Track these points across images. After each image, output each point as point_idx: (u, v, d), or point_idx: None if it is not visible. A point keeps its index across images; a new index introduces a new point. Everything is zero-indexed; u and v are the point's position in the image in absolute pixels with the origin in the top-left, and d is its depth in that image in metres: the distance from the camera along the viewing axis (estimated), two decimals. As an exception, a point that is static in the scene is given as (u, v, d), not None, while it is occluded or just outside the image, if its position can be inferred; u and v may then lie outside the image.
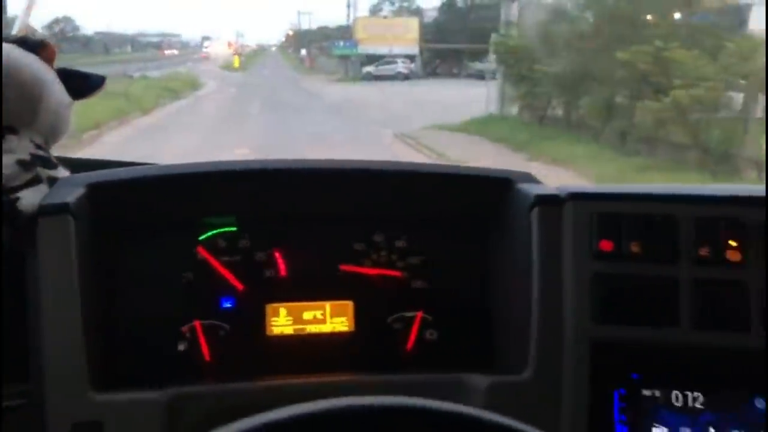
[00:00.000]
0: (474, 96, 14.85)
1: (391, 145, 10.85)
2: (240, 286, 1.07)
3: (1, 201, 0.91)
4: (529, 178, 1.07)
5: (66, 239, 0.91)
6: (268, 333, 1.08)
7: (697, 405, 0.95)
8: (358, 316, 1.09)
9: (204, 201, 1.07)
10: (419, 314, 1.09)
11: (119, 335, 1.03)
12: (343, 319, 1.09)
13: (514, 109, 13.36)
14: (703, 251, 0.94)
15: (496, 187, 1.07)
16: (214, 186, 1.06)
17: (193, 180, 1.05)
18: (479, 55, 26.61)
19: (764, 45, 6.93)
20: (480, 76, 25.44)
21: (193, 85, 21.94)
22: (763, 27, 7.47)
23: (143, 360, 1.03)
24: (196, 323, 1.05)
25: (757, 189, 1.03)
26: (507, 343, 1.04)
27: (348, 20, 33.84)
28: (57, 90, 1.04)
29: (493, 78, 14.65)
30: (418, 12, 33.01)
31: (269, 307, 1.08)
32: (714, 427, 0.94)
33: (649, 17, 10.35)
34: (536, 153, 9.38)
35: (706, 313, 0.93)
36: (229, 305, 1.07)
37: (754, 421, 0.93)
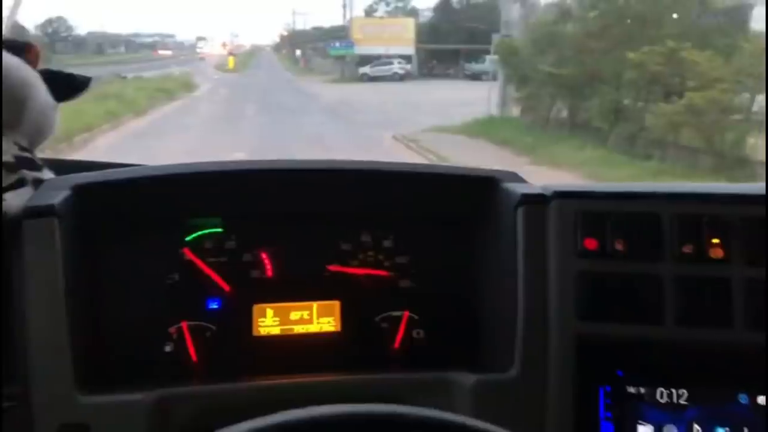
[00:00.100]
0: (472, 97, 14.81)
1: (391, 148, 10.77)
2: (226, 287, 1.09)
3: None
4: (515, 178, 1.08)
5: (51, 241, 0.92)
6: (255, 333, 1.09)
7: (682, 401, 0.96)
8: (345, 316, 1.11)
9: (190, 202, 1.08)
10: (406, 313, 1.11)
11: (105, 337, 1.03)
12: (330, 319, 1.10)
13: (515, 111, 13.26)
14: (687, 249, 0.96)
15: (482, 187, 1.08)
16: (200, 187, 1.07)
17: (178, 181, 1.06)
18: (475, 55, 26.68)
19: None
20: (476, 77, 25.50)
21: (188, 86, 21.90)
22: (763, 26, 7.45)
23: (130, 361, 1.04)
24: (183, 324, 1.06)
25: (740, 187, 1.05)
26: (493, 342, 1.05)
27: (344, 20, 33.89)
28: (42, 92, 1.04)
29: (490, 79, 14.62)
30: (413, 12, 33.06)
31: (256, 308, 1.09)
32: (699, 423, 0.96)
33: (657, 17, 10.19)
34: (542, 157, 9.22)
35: (689, 310, 0.95)
36: (215, 306, 1.08)
37: (739, 416, 0.95)
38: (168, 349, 1.06)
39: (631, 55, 9.26)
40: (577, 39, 10.61)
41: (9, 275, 0.93)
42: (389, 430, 0.59)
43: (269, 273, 1.10)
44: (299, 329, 1.10)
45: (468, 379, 0.97)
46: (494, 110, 13.44)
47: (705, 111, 8.34)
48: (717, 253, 0.95)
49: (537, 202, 1.00)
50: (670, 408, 0.96)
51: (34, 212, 0.93)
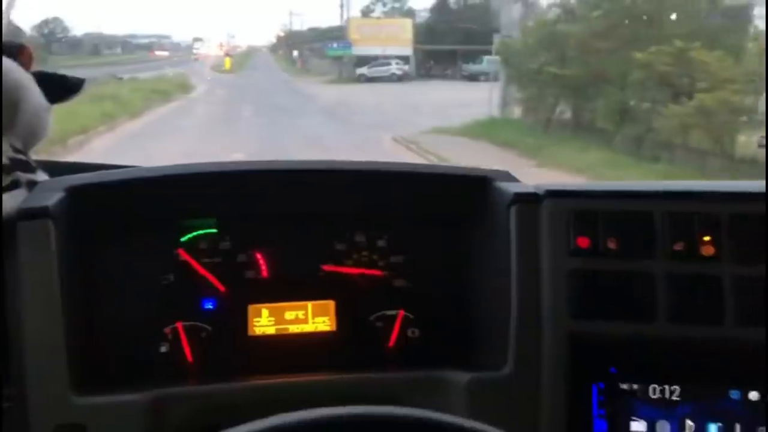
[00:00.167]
0: (471, 98, 14.75)
1: (391, 150, 10.70)
2: (222, 288, 1.10)
3: None
4: (508, 177, 1.09)
5: (46, 243, 0.93)
6: (250, 333, 1.09)
7: (674, 398, 0.98)
8: (340, 316, 1.12)
9: (184, 203, 1.09)
10: (401, 312, 1.12)
11: (101, 337, 1.04)
12: (325, 318, 1.11)
13: (516, 112, 13.15)
14: (678, 246, 0.97)
15: (475, 186, 1.09)
16: (194, 188, 1.08)
17: (172, 182, 1.07)
18: (472, 56, 26.69)
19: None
20: (473, 77, 25.51)
21: (184, 87, 21.89)
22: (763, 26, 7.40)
23: (125, 362, 1.04)
24: (178, 325, 1.07)
25: (731, 184, 1.06)
26: (487, 340, 1.06)
27: (341, 21, 33.91)
28: (35, 94, 1.05)
29: (487, 80, 14.57)
30: (409, 13, 33.08)
31: (251, 308, 1.10)
32: (691, 420, 0.97)
33: (664, 16, 10.00)
34: (547, 159, 9.07)
35: (681, 307, 0.96)
36: (210, 306, 1.09)
37: (731, 412, 0.96)
38: (163, 349, 1.07)
39: (638, 55, 9.11)
40: (583, 39, 10.45)
41: (4, 277, 0.93)
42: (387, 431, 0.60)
43: (264, 273, 1.11)
44: (294, 329, 1.11)
45: (462, 377, 0.98)
46: (495, 111, 13.37)
47: (716, 112, 8.20)
48: (708, 251, 0.96)
49: (530, 201, 1.01)
50: (662, 404, 0.98)
51: (28, 214, 0.93)
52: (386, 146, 10.97)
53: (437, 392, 0.99)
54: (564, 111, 11.75)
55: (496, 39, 13.95)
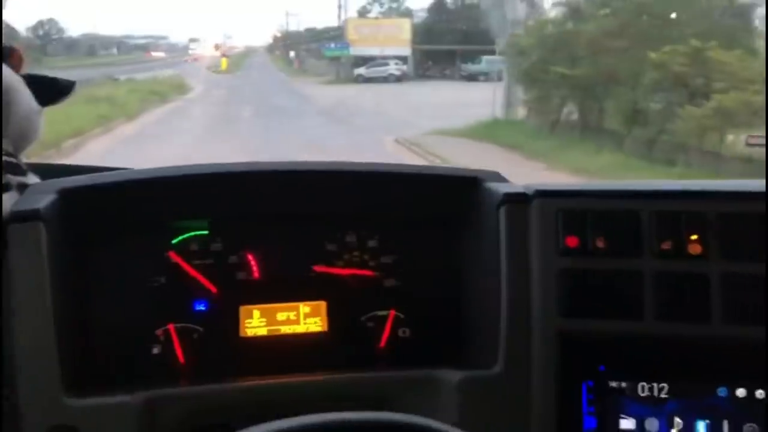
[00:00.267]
0: (471, 98, 14.70)
1: (394, 152, 10.59)
2: (213, 289, 1.11)
3: None
4: (497, 177, 1.11)
5: (37, 246, 0.93)
6: (242, 335, 1.10)
7: (663, 395, 0.99)
8: (332, 316, 1.13)
9: (175, 205, 1.10)
10: (392, 312, 1.13)
11: (93, 340, 1.05)
12: (317, 319, 1.12)
13: (519, 113, 13.02)
14: (666, 245, 0.98)
15: (465, 186, 1.11)
16: (185, 190, 1.09)
17: (163, 184, 1.08)
18: (471, 56, 26.72)
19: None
20: (472, 77, 25.54)
21: (181, 88, 21.91)
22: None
23: (117, 364, 1.05)
24: (170, 326, 1.08)
25: (717, 183, 1.08)
26: (478, 339, 1.08)
27: (339, 21, 33.93)
28: (26, 97, 1.05)
29: (486, 80, 14.48)
30: (407, 13, 33.11)
31: (243, 309, 1.11)
32: (679, 416, 0.99)
33: (678, 15, 9.73)
34: (556, 162, 8.86)
35: (669, 305, 0.98)
36: (202, 308, 1.10)
37: (718, 409, 0.98)
38: (155, 351, 1.08)
39: (652, 55, 8.90)
40: (594, 38, 10.25)
41: None
42: None
43: (255, 274, 1.12)
44: (286, 330, 1.12)
45: (453, 376, 0.99)
46: (498, 112, 13.26)
47: (736, 113, 7.98)
48: (695, 249, 0.98)
49: (519, 201, 1.03)
50: (651, 402, 0.99)
51: (19, 217, 0.94)
52: (388, 148, 10.88)
53: (428, 391, 1.00)
54: (571, 112, 11.58)
55: (500, 38, 13.86)
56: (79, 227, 1.04)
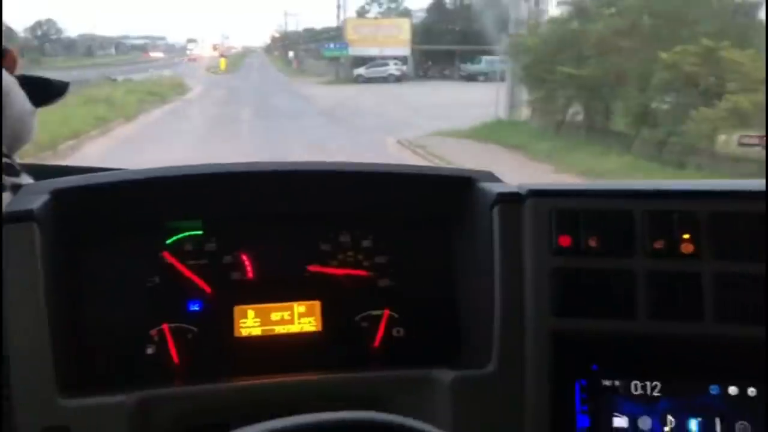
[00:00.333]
0: (472, 99, 14.62)
1: (397, 154, 10.47)
2: (207, 289, 1.11)
3: None
4: (491, 177, 1.12)
5: (31, 246, 0.94)
6: (236, 335, 1.11)
7: (656, 393, 1.00)
8: (326, 316, 1.13)
9: (169, 205, 1.10)
10: (386, 312, 1.14)
11: (87, 340, 1.05)
12: (311, 319, 1.13)
13: (523, 114, 12.88)
14: (658, 244, 0.99)
15: (459, 186, 1.12)
16: (179, 190, 1.10)
17: (157, 184, 1.08)
18: (471, 56, 26.74)
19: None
20: (472, 77, 25.56)
21: (179, 88, 21.91)
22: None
23: (111, 364, 1.06)
24: (164, 326, 1.09)
25: (709, 183, 1.09)
26: (471, 338, 1.08)
27: (338, 21, 33.95)
28: (19, 98, 1.06)
29: (487, 80, 14.38)
30: (405, 13, 33.15)
31: (237, 309, 1.11)
32: (672, 415, 1.00)
33: (690, 14, 9.47)
34: (564, 164, 8.68)
35: (662, 304, 0.98)
36: (196, 308, 1.11)
37: (711, 407, 0.99)
38: (149, 351, 1.08)
39: (663, 55, 8.70)
40: (603, 37, 10.06)
41: None
42: None
43: (250, 274, 1.13)
44: (280, 330, 1.12)
45: (447, 375, 1.00)
46: (501, 113, 13.17)
47: (752, 114, 7.74)
48: (687, 249, 0.99)
49: (512, 200, 1.04)
50: (644, 400, 1.00)
51: (12, 217, 0.94)
52: (391, 150, 10.79)
53: (422, 391, 1.01)
54: (577, 113, 11.37)
55: (502, 38, 13.76)
56: (72, 228, 1.04)
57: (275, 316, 1.12)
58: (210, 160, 1.16)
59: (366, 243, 1.15)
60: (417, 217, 1.16)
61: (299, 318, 1.13)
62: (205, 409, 1.00)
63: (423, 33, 30.33)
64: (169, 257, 1.10)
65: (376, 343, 1.14)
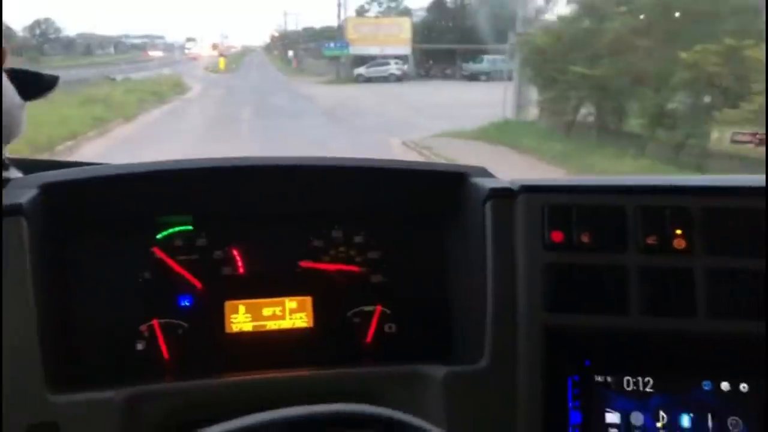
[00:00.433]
0: (475, 98, 14.49)
1: (402, 156, 10.16)
2: (198, 285, 1.12)
3: None
4: (484, 173, 1.13)
5: (19, 241, 0.94)
6: (227, 330, 1.12)
7: (648, 389, 1.01)
8: (318, 312, 1.14)
9: (159, 200, 1.11)
10: (378, 308, 1.15)
11: (76, 336, 1.05)
12: (303, 315, 1.13)
13: (530, 114, 12.66)
14: (651, 240, 1.00)
15: (451, 182, 1.12)
16: (169, 185, 1.10)
17: (147, 179, 1.08)
18: (472, 55, 26.74)
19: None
20: (474, 77, 25.56)
21: (178, 88, 21.90)
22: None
23: (101, 360, 1.06)
24: (155, 322, 1.09)
25: (702, 179, 1.10)
26: (464, 334, 1.09)
27: (339, 20, 33.96)
28: (8, 92, 1.06)
29: (489, 79, 14.28)
30: (405, 12, 33.17)
31: (228, 305, 1.12)
32: (664, 410, 1.00)
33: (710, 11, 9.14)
34: (577, 167, 8.43)
35: (654, 300, 0.99)
36: (187, 303, 1.11)
37: (703, 403, 1.00)
38: (140, 347, 1.09)
39: (683, 54, 8.43)
40: (620, 36, 9.77)
41: None
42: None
43: (241, 270, 1.13)
44: (272, 325, 1.13)
45: (439, 371, 1.01)
46: (508, 112, 12.95)
47: None
48: (680, 244, 0.99)
49: (504, 196, 1.04)
50: (636, 396, 1.01)
51: (1, 212, 0.94)
52: (397, 151, 10.58)
53: (414, 386, 1.02)
54: (588, 114, 11.04)
55: (512, 36, 13.65)
56: (61, 222, 1.04)
57: (266, 311, 1.13)
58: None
59: (358, 239, 1.16)
60: (410, 212, 1.16)
61: (291, 314, 1.13)
62: (195, 405, 1.00)
63: (423, 32, 30.35)
64: (159, 252, 1.11)
65: (368, 338, 1.14)
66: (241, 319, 1.12)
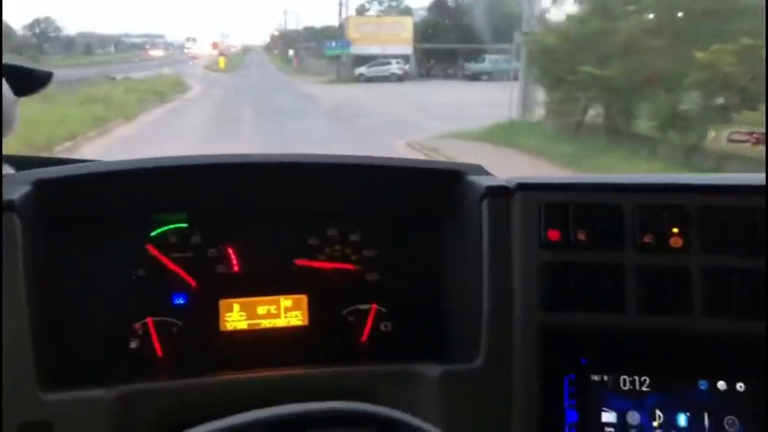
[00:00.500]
0: (479, 98, 14.39)
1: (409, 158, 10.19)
2: (192, 282, 1.11)
3: None
4: (480, 171, 1.12)
5: (11, 238, 0.93)
6: (221, 329, 1.11)
7: (644, 388, 1.01)
8: (313, 310, 1.14)
9: (153, 197, 1.10)
10: (374, 306, 1.15)
11: (69, 334, 1.05)
12: (298, 313, 1.13)
13: (535, 115, 12.57)
14: (647, 238, 1.00)
15: (448, 180, 1.12)
16: (164, 182, 1.10)
17: (141, 176, 1.08)
18: (474, 55, 26.74)
19: None
20: (475, 77, 25.56)
21: (179, 87, 21.93)
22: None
23: (95, 358, 1.05)
24: (149, 320, 1.09)
25: (698, 177, 1.10)
26: (459, 333, 1.09)
27: (340, 19, 33.98)
28: (1, 87, 1.05)
29: (490, 79, 14.21)
30: (406, 11, 33.18)
31: (222, 303, 1.12)
32: (660, 409, 1.00)
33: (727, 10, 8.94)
34: (589, 171, 8.24)
35: (650, 299, 0.99)
36: (181, 301, 1.11)
37: (699, 402, 1.00)
38: (133, 345, 1.08)
39: (699, 54, 8.28)
40: (632, 36, 9.64)
41: None
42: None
43: (235, 268, 1.13)
44: (266, 324, 1.13)
45: (434, 370, 1.01)
46: (513, 113, 12.92)
47: None
48: (677, 243, 0.99)
49: (501, 194, 1.04)
50: (632, 395, 1.01)
51: None
52: (401, 152, 10.42)
53: (410, 385, 1.02)
54: (598, 115, 10.89)
55: (517, 36, 13.55)
56: (54, 219, 1.04)
57: (261, 310, 1.13)
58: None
59: (354, 237, 1.16)
60: (406, 210, 1.16)
61: (286, 312, 1.13)
62: (189, 404, 1.00)
63: (425, 31, 30.35)
64: (153, 250, 1.10)
65: (364, 337, 1.14)
66: (235, 317, 1.12)
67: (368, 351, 1.14)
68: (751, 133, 7.34)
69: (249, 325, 1.12)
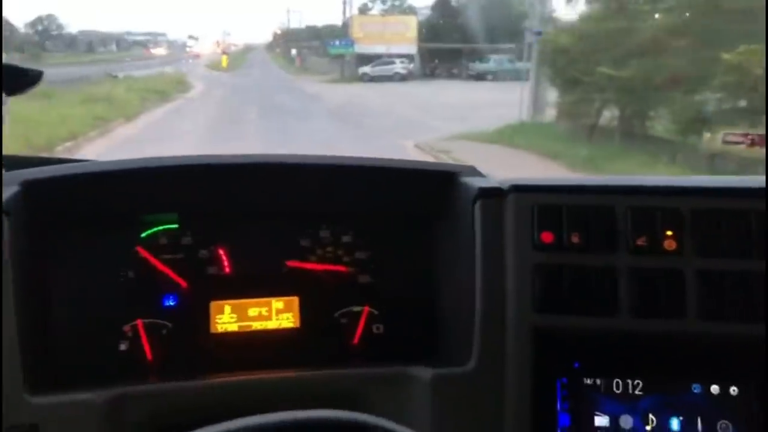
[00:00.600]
0: (485, 98, 14.27)
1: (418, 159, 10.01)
2: (183, 284, 1.11)
3: None
4: (474, 172, 1.12)
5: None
6: (212, 330, 1.11)
7: (637, 392, 1.01)
8: (305, 312, 1.14)
9: (144, 198, 1.10)
10: (366, 309, 1.15)
11: (58, 336, 1.05)
12: (289, 315, 1.14)
13: (546, 116, 12.43)
14: (641, 241, 1.00)
15: (441, 181, 1.12)
16: (154, 182, 1.09)
17: (131, 177, 1.08)
18: (479, 54, 26.72)
19: None
20: (480, 77, 25.53)
21: (181, 86, 21.94)
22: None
23: (83, 360, 1.05)
24: (138, 322, 1.09)
25: (692, 179, 1.10)
26: (452, 335, 1.09)
27: (344, 18, 34.00)
28: (1, 87, 1.05)
29: (495, 79, 14.11)
30: (410, 10, 33.17)
31: (213, 305, 1.12)
32: (653, 413, 1.00)
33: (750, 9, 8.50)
34: (610, 174, 8.09)
35: (644, 302, 0.99)
36: (171, 303, 1.11)
37: (692, 405, 1.00)
38: (123, 347, 1.08)
39: (726, 55, 8.08)
40: (654, 36, 9.47)
41: None
42: None
43: (226, 269, 1.13)
44: (258, 326, 1.13)
45: (426, 372, 1.01)
46: (523, 114, 12.79)
47: None
48: (670, 245, 0.99)
49: (494, 195, 1.04)
50: (625, 398, 1.01)
51: None
52: (411, 155, 10.23)
53: (402, 388, 1.02)
54: (613, 117, 10.69)
55: (528, 36, 13.41)
56: (43, 220, 1.04)
57: (252, 311, 1.13)
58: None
59: (346, 238, 1.16)
60: (398, 212, 1.16)
61: (277, 314, 1.13)
62: (179, 407, 1.00)
63: (428, 31, 30.34)
64: (143, 251, 1.11)
65: (356, 339, 1.15)
66: (226, 319, 1.12)
67: (360, 353, 1.14)
68: (745, 135, 7.29)
69: (240, 327, 1.12)
